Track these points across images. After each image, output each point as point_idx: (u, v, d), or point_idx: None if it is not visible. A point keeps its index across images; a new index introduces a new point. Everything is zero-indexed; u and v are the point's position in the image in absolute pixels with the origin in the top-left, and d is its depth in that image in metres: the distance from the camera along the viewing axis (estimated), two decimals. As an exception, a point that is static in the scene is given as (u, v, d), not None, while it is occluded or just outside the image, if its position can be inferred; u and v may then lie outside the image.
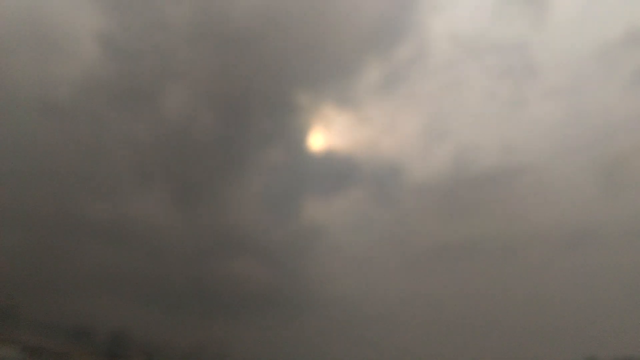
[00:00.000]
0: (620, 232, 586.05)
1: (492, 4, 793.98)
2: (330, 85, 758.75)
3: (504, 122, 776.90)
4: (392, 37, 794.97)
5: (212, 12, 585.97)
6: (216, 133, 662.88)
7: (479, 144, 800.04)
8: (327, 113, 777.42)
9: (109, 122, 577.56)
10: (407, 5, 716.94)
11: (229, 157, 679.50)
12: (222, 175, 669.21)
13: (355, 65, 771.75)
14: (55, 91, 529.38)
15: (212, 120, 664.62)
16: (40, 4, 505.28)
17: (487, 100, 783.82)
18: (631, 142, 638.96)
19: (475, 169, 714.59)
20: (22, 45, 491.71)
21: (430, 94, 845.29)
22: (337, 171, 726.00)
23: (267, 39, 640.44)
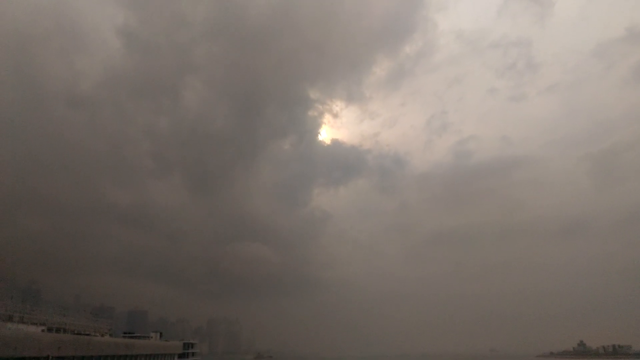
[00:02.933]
0: (611, 223, 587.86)
1: (496, 2, 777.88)
2: (339, 80, 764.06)
3: (504, 116, 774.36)
4: (399, 34, 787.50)
5: (229, 9, 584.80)
6: (231, 124, 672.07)
7: (479, 137, 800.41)
8: (336, 107, 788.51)
9: (130, 114, 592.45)
10: (414, 3, 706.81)
11: (243, 148, 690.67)
12: (236, 164, 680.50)
13: (363, 62, 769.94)
14: (80, 84, 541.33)
15: (227, 113, 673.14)
16: (65, 1, 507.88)
17: (488, 95, 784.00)
18: (624, 136, 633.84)
19: (475, 161, 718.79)
20: (47, 41, 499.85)
21: (433, 89, 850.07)
22: (344, 162, 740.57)
23: (281, 36, 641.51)
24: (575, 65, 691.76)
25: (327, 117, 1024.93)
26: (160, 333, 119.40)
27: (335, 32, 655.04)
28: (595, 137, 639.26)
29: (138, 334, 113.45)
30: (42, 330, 65.06)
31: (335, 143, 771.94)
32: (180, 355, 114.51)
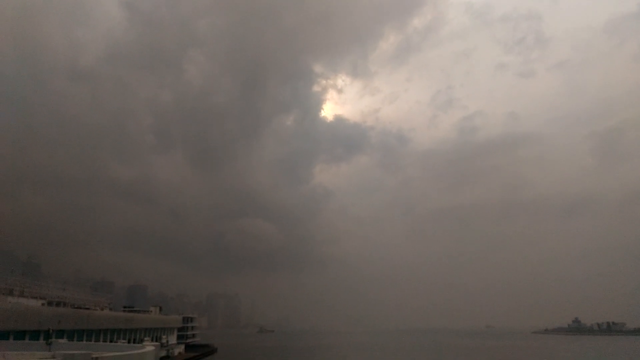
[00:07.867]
0: (614, 201, 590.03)
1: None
2: (344, 54, 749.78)
3: (511, 92, 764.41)
4: (408, 7, 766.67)
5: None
6: (234, 99, 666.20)
7: (485, 113, 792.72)
8: (341, 82, 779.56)
9: (133, 88, 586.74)
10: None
11: (246, 123, 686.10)
12: (239, 139, 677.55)
13: (370, 35, 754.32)
14: (81, 57, 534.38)
15: (230, 87, 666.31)
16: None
17: (497, 70, 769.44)
18: (630, 115, 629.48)
19: (480, 138, 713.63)
20: (49, 13, 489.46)
21: (440, 64, 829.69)
22: (346, 138, 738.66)
23: (286, 8, 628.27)
24: (586, 41, 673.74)
25: (330, 93, 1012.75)
26: (160, 307, 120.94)
27: (342, 4, 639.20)
28: (602, 115, 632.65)
29: (138, 309, 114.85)
30: (43, 304, 65.67)
31: (338, 119, 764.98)
32: (180, 329, 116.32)
